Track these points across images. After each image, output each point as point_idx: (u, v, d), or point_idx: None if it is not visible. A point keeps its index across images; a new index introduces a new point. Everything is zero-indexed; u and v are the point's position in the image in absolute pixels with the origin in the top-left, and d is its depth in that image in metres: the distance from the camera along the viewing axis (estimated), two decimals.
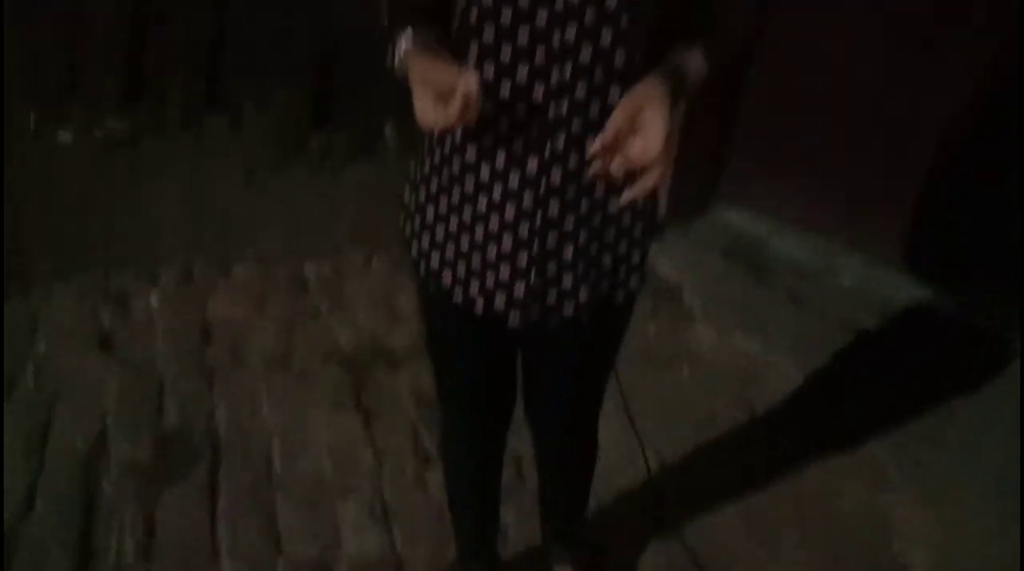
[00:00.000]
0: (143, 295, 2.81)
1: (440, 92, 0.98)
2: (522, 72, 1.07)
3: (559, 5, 1.02)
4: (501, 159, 1.12)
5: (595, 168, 1.04)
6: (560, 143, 1.10)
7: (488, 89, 1.06)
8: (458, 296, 1.25)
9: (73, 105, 3.68)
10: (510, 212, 1.15)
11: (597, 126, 1.05)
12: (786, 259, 3.05)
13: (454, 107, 0.95)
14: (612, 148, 1.00)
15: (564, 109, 1.08)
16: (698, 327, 2.81)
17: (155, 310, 2.76)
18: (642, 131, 0.99)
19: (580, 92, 1.07)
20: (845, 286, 2.95)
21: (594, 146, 1.01)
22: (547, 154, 1.10)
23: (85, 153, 3.51)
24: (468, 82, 0.94)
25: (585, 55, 1.05)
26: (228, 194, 3.39)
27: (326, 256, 3.10)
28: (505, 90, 1.08)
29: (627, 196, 1.07)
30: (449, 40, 1.12)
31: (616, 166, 1.01)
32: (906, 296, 2.84)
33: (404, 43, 1.08)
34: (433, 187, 1.23)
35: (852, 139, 2.89)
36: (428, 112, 1.00)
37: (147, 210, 3.20)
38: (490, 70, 1.07)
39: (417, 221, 1.29)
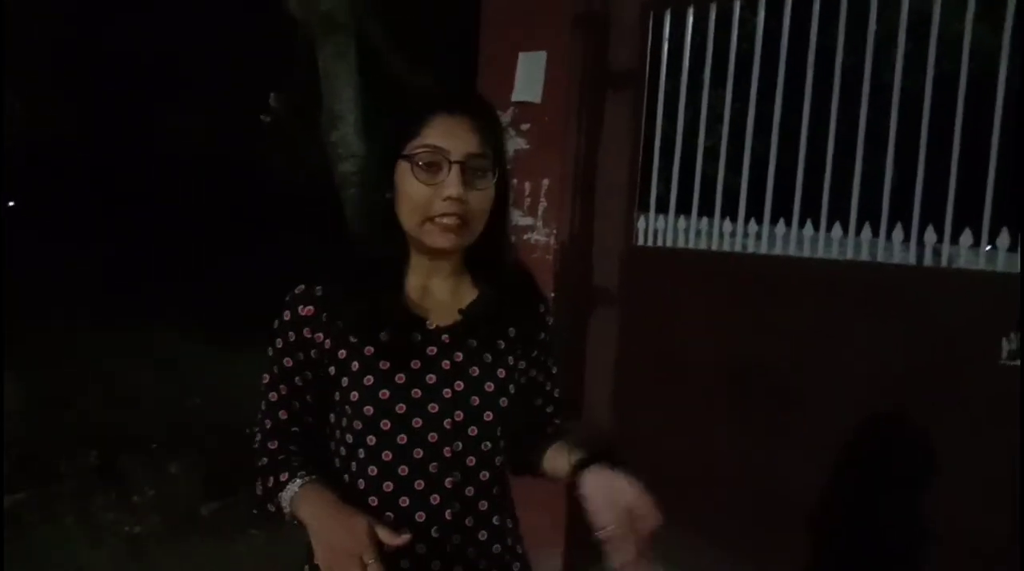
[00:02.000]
0: None
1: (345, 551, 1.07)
2: (416, 486, 1.21)
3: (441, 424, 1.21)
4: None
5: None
6: (456, 538, 1.23)
7: (384, 502, 1.21)
8: None
9: None
10: None
11: (480, 492, 1.25)
12: None
13: None
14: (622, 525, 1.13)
15: (456, 508, 1.23)
16: None
17: None
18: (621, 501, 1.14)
19: (469, 492, 1.24)
20: None
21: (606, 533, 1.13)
22: (447, 547, 1.23)
23: None
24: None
25: (469, 469, 1.23)
26: (111, 569, 3.27)
27: None
28: (401, 502, 1.21)
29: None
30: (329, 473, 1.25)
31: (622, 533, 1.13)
32: None
33: (291, 489, 1.17)
34: None
35: (723, 491, 3.14)
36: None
37: None
38: (388, 486, 1.21)
39: None
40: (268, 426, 1.27)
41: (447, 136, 1.17)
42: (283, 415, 1.26)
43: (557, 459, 1.29)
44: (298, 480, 1.17)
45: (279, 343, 1.24)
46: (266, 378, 1.27)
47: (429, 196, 1.17)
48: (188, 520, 3.69)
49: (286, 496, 1.17)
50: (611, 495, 1.15)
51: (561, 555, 3.18)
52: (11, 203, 13.18)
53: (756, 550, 3.03)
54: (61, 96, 9.82)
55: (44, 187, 11.55)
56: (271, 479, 1.20)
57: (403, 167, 1.19)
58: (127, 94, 9.40)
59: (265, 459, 1.24)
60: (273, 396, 1.26)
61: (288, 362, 1.24)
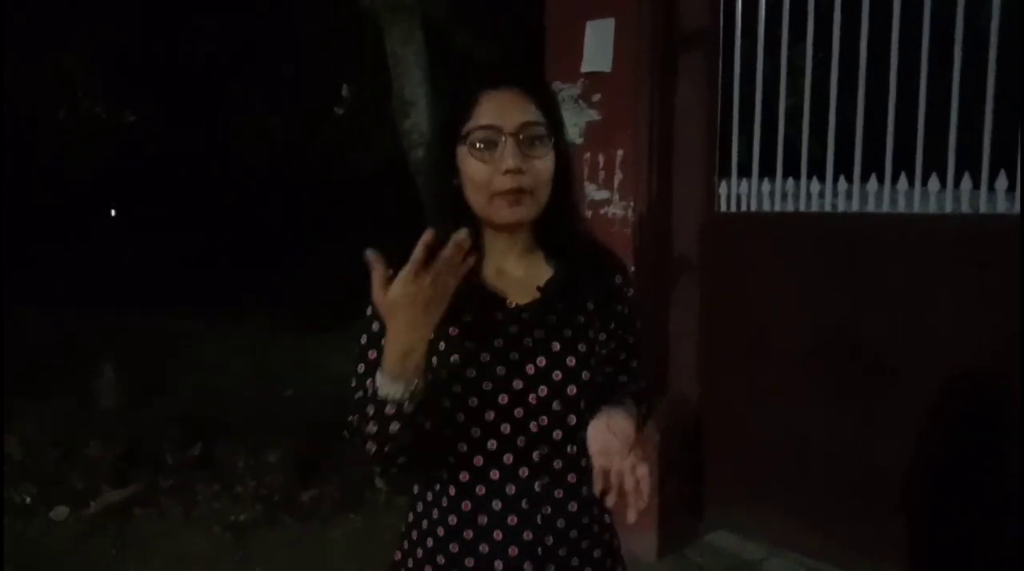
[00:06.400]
0: None
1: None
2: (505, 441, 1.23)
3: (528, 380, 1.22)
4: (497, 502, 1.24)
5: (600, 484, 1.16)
6: (546, 509, 1.25)
7: (476, 454, 1.23)
8: None
9: (71, 478, 3.79)
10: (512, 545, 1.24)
11: (568, 465, 1.25)
12: None
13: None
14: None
15: (545, 480, 1.24)
16: None
17: None
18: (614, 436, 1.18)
19: (557, 465, 1.25)
20: None
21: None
22: (537, 519, 1.24)
23: (78, 528, 3.54)
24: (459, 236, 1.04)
25: (555, 427, 1.24)
26: (216, 557, 3.38)
27: None
28: (492, 475, 1.23)
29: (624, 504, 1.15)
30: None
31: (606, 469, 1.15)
32: None
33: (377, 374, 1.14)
34: (426, 525, 1.30)
35: (813, 463, 3.03)
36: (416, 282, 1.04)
37: None
38: (478, 460, 1.23)
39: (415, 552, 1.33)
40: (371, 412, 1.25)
41: (497, 112, 1.19)
42: None
43: None
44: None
45: (376, 326, 1.23)
46: (361, 367, 1.25)
47: (489, 173, 1.19)
48: (288, 507, 3.79)
49: (376, 379, 1.13)
50: (594, 437, 1.20)
51: (655, 534, 3.13)
52: (112, 212, 13.79)
53: (848, 526, 2.93)
54: (137, 94, 10.16)
55: (130, 188, 12.01)
56: (366, 403, 1.14)
57: (462, 151, 1.21)
58: (201, 89, 9.65)
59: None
60: (371, 382, 1.22)
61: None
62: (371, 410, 1.14)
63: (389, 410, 1.12)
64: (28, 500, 3.68)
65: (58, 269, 9.67)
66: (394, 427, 1.13)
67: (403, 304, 1.06)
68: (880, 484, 2.85)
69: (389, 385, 1.12)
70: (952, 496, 2.72)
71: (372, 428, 1.14)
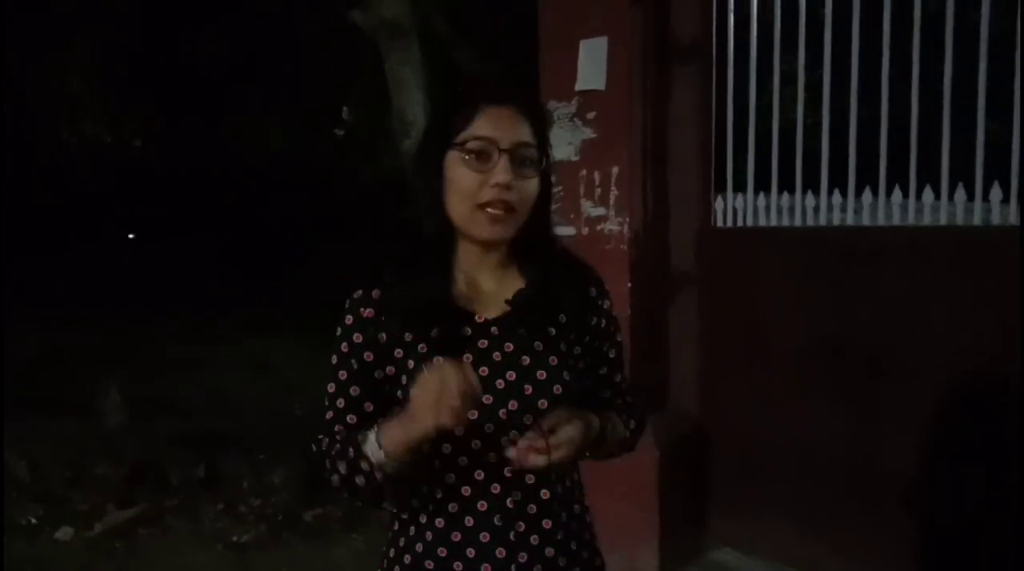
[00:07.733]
0: None
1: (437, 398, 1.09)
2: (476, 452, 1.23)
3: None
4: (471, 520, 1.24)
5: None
6: (519, 525, 1.24)
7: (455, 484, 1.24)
8: None
9: (75, 499, 3.82)
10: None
11: (540, 481, 1.24)
12: None
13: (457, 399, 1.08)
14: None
15: (518, 497, 1.24)
16: None
17: None
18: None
19: (529, 480, 1.24)
20: None
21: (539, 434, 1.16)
22: (511, 535, 1.24)
23: (83, 548, 3.56)
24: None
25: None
26: None
27: None
28: (464, 491, 1.24)
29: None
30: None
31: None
32: None
33: (371, 435, 1.18)
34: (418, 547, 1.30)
35: (816, 476, 3.00)
36: (438, 413, 1.09)
37: None
38: (450, 478, 1.24)
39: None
40: (341, 433, 1.28)
41: (496, 126, 1.21)
42: (352, 420, 1.27)
43: None
44: (373, 428, 1.19)
45: (345, 347, 1.27)
46: (332, 387, 1.28)
47: (478, 183, 1.20)
48: (292, 526, 3.79)
49: (371, 443, 1.18)
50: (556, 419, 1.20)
51: (656, 550, 3.10)
52: (131, 235, 13.89)
53: (852, 541, 2.89)
54: (142, 113, 10.26)
55: (141, 200, 12.08)
56: (351, 449, 1.21)
57: (453, 157, 1.22)
58: (204, 109, 9.73)
59: (338, 446, 1.25)
60: (341, 402, 1.28)
61: (355, 364, 1.26)
62: (354, 463, 1.20)
63: (377, 473, 1.18)
64: (34, 520, 3.71)
65: (63, 282, 9.74)
66: (375, 482, 1.19)
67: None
68: (885, 498, 2.82)
69: (384, 458, 1.16)
70: (957, 509, 2.69)
71: (357, 480, 1.21)
